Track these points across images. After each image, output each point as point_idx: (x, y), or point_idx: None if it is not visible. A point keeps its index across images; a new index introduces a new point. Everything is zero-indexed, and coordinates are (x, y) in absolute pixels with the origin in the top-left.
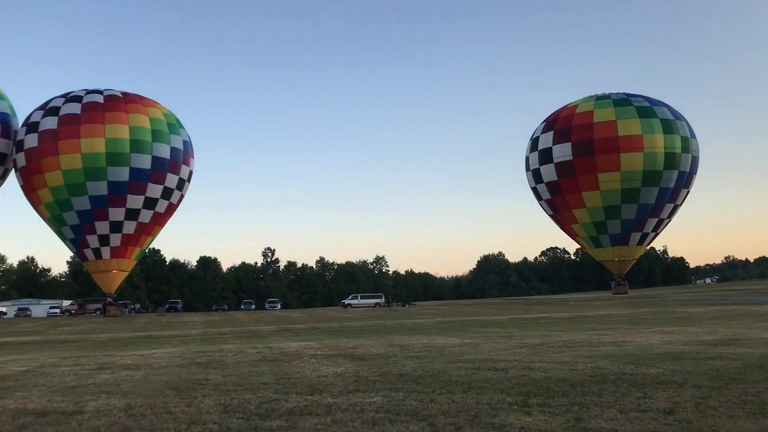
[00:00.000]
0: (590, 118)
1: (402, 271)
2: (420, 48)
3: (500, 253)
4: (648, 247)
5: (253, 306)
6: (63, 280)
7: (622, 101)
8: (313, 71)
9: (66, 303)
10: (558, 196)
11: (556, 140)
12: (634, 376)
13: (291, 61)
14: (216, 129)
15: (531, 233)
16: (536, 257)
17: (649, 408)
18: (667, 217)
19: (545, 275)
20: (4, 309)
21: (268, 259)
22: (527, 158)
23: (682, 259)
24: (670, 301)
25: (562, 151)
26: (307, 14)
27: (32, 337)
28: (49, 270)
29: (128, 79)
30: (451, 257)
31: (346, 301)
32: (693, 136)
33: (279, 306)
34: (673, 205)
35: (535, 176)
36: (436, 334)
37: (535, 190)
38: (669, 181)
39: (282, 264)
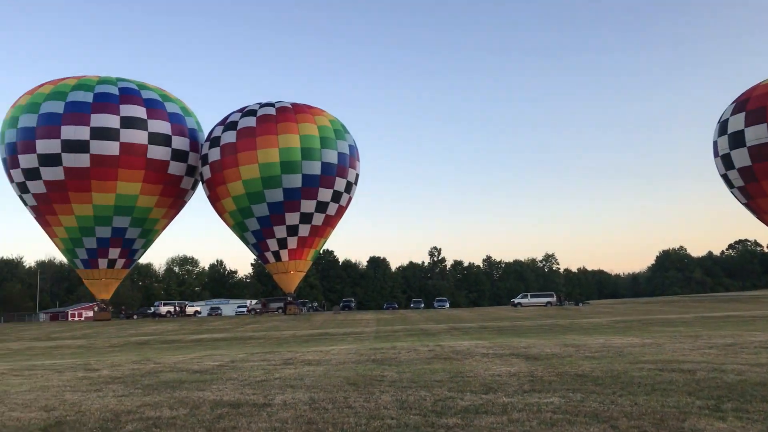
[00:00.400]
0: None
1: (573, 269)
2: (585, 34)
3: (681, 247)
4: None
5: (422, 305)
6: (248, 281)
7: None
8: (477, 69)
9: (251, 302)
10: (753, 183)
11: (749, 122)
12: None
13: (455, 60)
14: (382, 131)
15: (716, 225)
16: (723, 251)
17: None
18: None
19: (734, 270)
20: (198, 308)
21: (435, 259)
22: (715, 143)
23: None
24: None
25: (756, 134)
26: (469, 16)
27: (223, 335)
28: (235, 272)
29: (296, 88)
30: (626, 253)
31: (516, 300)
32: None
33: (447, 305)
34: None
35: (725, 162)
36: (614, 334)
37: (725, 177)
38: None
39: (449, 263)
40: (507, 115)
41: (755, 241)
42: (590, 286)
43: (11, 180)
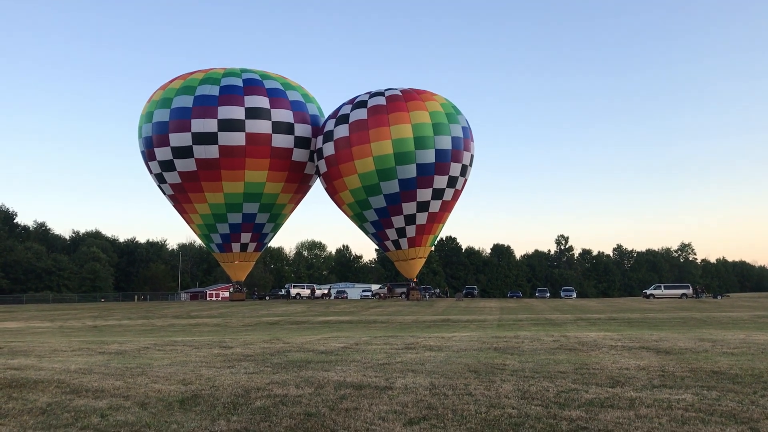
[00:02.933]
0: None
1: (712, 260)
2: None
3: None
4: None
5: (548, 294)
6: (372, 266)
7: None
8: (606, 53)
9: (375, 287)
10: None
11: None
12: None
13: (582, 42)
14: (506, 114)
15: None
16: None
17: None
18: None
19: None
20: (327, 291)
21: (562, 247)
22: None
23: None
24: None
25: None
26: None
27: (348, 317)
28: (360, 257)
29: (408, 69)
30: None
31: (648, 291)
32: None
33: (574, 294)
34: None
35: None
36: (756, 329)
37: None
38: None
39: (576, 252)
40: (637, 98)
41: None
42: (730, 278)
43: (150, 171)
